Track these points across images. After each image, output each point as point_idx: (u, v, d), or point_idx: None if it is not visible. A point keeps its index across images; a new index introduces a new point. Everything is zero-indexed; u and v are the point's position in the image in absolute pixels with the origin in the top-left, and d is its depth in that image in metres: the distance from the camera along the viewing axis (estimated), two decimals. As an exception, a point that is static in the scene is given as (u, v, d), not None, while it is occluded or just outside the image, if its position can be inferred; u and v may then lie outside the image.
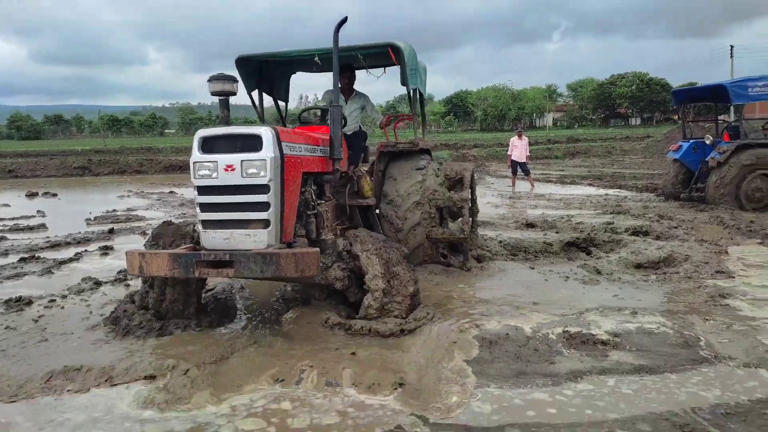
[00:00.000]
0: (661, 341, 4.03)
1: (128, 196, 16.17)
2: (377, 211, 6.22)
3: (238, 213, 4.02)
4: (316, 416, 3.13)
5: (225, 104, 4.32)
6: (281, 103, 7.00)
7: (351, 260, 4.47)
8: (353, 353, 3.94)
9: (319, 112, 6.13)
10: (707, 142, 11.43)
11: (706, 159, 11.02)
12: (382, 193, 6.17)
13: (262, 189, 3.94)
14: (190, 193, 15.33)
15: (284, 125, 6.56)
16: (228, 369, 3.78)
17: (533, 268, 6.34)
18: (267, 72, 6.58)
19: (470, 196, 6.54)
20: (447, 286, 5.62)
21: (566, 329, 4.18)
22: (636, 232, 8.01)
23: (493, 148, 31.99)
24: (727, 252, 6.83)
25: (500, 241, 7.52)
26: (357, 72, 6.58)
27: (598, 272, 6.03)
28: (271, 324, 4.66)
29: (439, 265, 6.17)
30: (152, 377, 3.61)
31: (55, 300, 5.39)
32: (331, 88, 4.97)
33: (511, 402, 3.22)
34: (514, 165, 16.08)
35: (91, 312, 5.06)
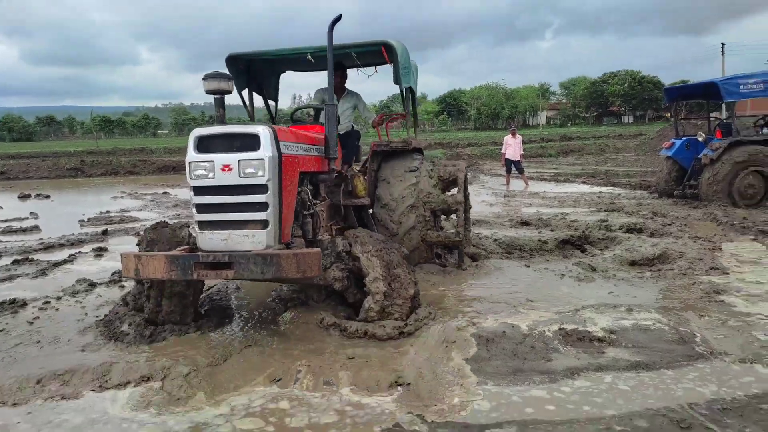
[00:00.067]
0: (657, 338, 4.05)
1: (121, 197, 16.09)
2: (371, 211, 6.21)
3: (235, 213, 3.95)
4: (314, 415, 3.13)
5: (220, 103, 4.23)
6: (271, 103, 6.96)
7: (351, 261, 4.44)
8: (352, 353, 3.94)
9: (312, 111, 6.09)
10: (700, 139, 11.50)
11: (699, 156, 11.08)
12: (375, 196, 6.14)
13: (261, 189, 3.87)
14: (184, 193, 15.27)
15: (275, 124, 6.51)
16: (225, 369, 3.77)
17: (528, 266, 6.35)
18: (256, 71, 6.51)
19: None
20: (443, 286, 5.63)
21: (562, 326, 4.19)
22: (630, 230, 8.05)
23: (487, 146, 32.06)
24: (720, 248, 6.88)
25: (495, 240, 7.54)
26: (348, 71, 6.56)
27: (593, 270, 6.05)
28: (268, 324, 4.65)
29: (435, 265, 6.17)
30: (149, 378, 3.59)
31: (49, 302, 5.35)
32: (323, 86, 4.88)
33: (509, 399, 3.22)
34: (509, 163, 16.12)
35: (86, 314, 5.04)
